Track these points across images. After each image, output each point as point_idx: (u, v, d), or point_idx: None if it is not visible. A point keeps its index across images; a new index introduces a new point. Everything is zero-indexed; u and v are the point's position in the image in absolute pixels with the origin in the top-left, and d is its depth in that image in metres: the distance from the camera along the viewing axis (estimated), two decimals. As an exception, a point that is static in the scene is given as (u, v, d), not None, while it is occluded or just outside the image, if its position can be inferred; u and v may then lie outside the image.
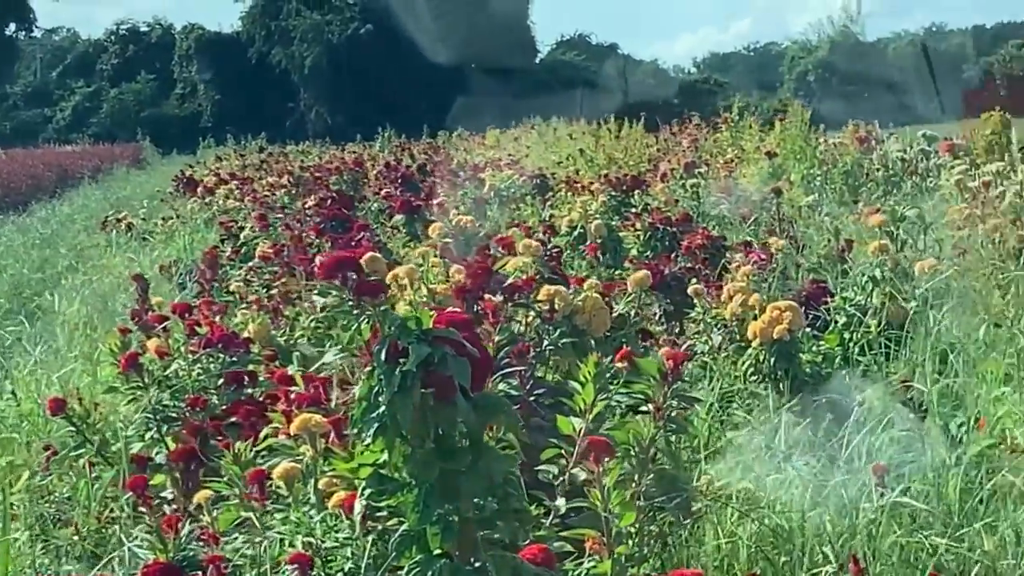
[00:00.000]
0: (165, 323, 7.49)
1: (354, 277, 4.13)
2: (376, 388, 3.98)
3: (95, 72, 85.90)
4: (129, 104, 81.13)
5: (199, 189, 22.05)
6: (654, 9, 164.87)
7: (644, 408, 5.22)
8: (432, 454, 4.02)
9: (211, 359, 7.22)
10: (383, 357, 3.98)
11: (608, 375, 5.03)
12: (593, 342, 6.67)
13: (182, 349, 7.35)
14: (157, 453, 6.97)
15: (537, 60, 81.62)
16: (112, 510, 6.38)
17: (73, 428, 7.04)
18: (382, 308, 4.07)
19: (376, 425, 3.96)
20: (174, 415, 7.07)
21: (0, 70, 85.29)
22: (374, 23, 74.97)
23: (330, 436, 4.74)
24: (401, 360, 3.97)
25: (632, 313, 7.51)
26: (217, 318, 7.94)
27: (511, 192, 20.29)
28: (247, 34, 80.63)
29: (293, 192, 21.48)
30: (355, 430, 4.11)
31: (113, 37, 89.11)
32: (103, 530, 6.23)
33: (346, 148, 49.97)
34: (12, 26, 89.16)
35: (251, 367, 7.35)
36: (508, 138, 42.30)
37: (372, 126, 56.67)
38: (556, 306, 6.34)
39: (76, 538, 6.08)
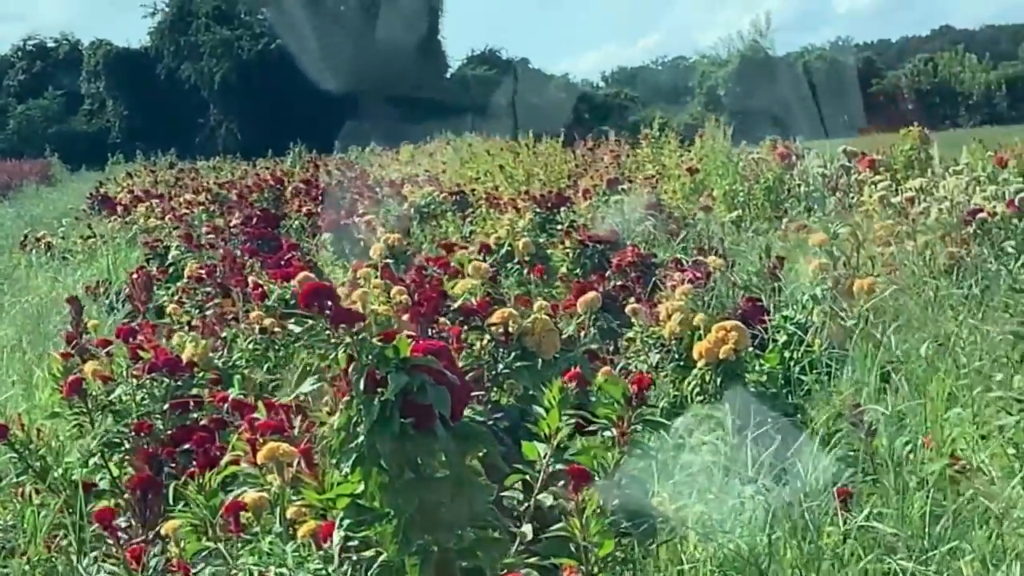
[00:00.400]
0: (109, 347, 7.40)
1: (330, 305, 4.09)
2: (355, 418, 3.96)
3: (1, 88, 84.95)
4: (36, 120, 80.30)
5: (118, 208, 21.83)
6: (561, 24, 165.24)
7: (607, 433, 5.20)
8: (412, 484, 4.00)
9: (155, 383, 7.14)
10: (362, 386, 3.95)
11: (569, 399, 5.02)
12: (541, 364, 6.67)
13: (125, 373, 7.27)
14: (101, 479, 6.91)
15: (447, 75, 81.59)
16: (58, 538, 6.28)
17: (15, 454, 6.93)
18: (360, 336, 4.03)
19: (355, 455, 3.94)
20: (117, 440, 7.01)
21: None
22: (284, 38, 74.65)
23: (296, 464, 4.69)
24: (380, 389, 3.94)
25: (582, 334, 7.50)
26: (162, 341, 7.86)
27: (431, 208, 20.27)
28: (156, 49, 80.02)
29: (211, 209, 21.35)
30: (333, 460, 4.07)
31: (20, 53, 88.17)
32: (52, 559, 6.14)
33: (257, 164, 49.76)
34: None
35: (195, 391, 7.29)
36: (423, 153, 42.25)
37: (283, 142, 56.39)
38: (510, 329, 6.32)
39: (27, 567, 5.98)
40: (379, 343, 4.01)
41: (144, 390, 7.13)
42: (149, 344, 7.50)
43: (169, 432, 6.72)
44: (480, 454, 4.22)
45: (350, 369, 4.02)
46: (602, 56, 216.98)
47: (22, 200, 38.19)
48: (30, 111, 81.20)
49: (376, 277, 8.45)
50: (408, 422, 3.90)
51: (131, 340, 7.41)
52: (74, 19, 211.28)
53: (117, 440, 7.00)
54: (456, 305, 6.46)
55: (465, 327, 6.11)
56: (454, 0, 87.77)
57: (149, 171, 48.17)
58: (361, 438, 3.87)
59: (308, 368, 5.58)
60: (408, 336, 4.29)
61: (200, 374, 7.48)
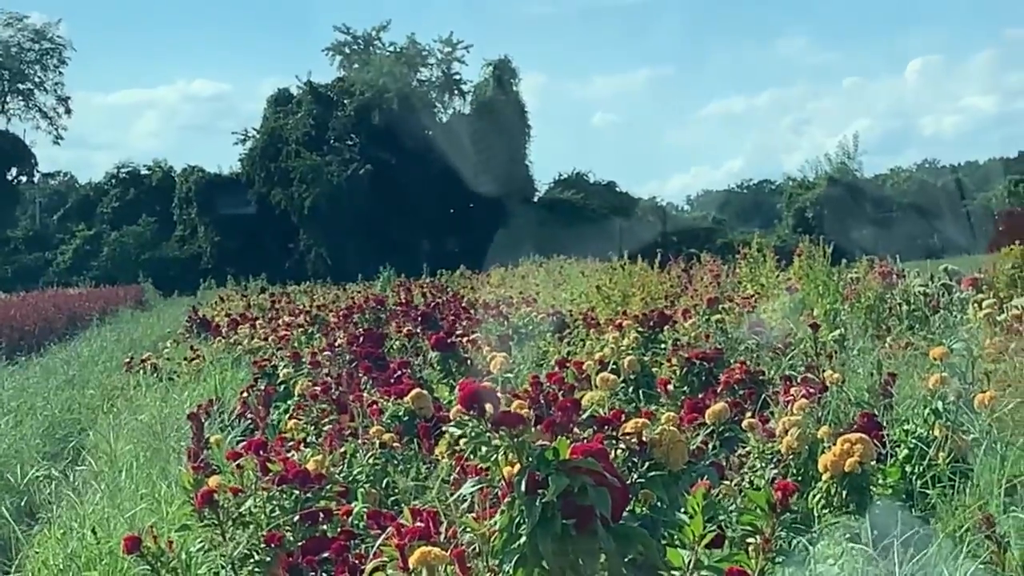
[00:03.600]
0: (239, 459, 7.50)
1: (491, 408, 4.15)
2: (516, 519, 4.00)
3: (96, 215, 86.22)
4: (129, 247, 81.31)
5: (223, 329, 22.10)
6: (648, 148, 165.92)
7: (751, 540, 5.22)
8: (573, 585, 4.03)
9: (285, 495, 7.23)
10: (523, 488, 4.00)
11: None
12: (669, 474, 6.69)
13: (253, 486, 7.36)
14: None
15: (535, 198, 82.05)
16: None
17: (148, 567, 7.03)
18: (519, 439, 4.09)
19: (517, 556, 3.97)
20: (247, 552, 7.09)
21: (1, 214, 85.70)
22: (373, 164, 75.46)
23: (446, 568, 4.73)
24: (540, 491, 3.98)
25: (709, 446, 7.53)
26: (292, 455, 7.95)
27: (529, 329, 20.38)
28: (247, 175, 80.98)
29: (310, 331, 21.57)
30: (493, 561, 4.11)
31: (114, 180, 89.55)
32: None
33: (348, 288, 50.18)
34: (13, 171, 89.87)
35: (322, 503, 7.37)
36: (514, 276, 42.45)
37: (371, 266, 56.95)
38: (644, 438, 6.36)
39: None
40: (539, 445, 4.06)
41: (274, 502, 7.21)
42: (278, 457, 7.59)
43: (299, 544, 6.79)
44: (638, 555, 4.24)
45: (511, 471, 4.07)
46: (689, 179, 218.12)
47: (119, 324, 38.68)
48: (123, 238, 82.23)
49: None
50: (569, 523, 3.94)
51: (261, 453, 7.50)
52: (166, 146, 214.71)
53: (247, 552, 7.08)
54: (586, 415, 6.50)
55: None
56: (542, 124, 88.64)
57: (241, 296, 48.75)
58: (523, 539, 3.92)
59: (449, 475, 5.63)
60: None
61: (328, 487, 7.55)
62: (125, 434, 12.31)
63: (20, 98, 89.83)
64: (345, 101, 79.69)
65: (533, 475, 3.98)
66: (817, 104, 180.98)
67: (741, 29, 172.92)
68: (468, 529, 4.69)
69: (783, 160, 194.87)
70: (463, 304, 27.57)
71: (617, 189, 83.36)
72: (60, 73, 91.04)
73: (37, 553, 8.12)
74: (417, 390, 10.40)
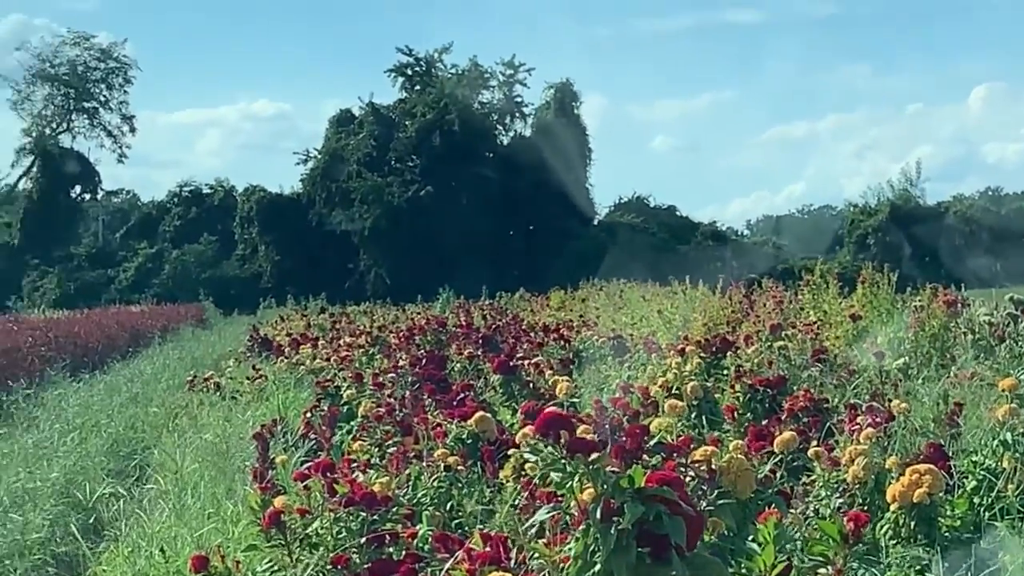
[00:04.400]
0: (307, 480, 7.52)
1: (566, 435, 4.15)
2: (591, 546, 3.99)
3: (158, 233, 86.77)
4: (190, 265, 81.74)
5: (285, 349, 22.18)
6: (708, 173, 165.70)
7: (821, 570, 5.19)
8: (648, 613, 4.02)
9: (352, 517, 7.24)
10: (598, 515, 3.99)
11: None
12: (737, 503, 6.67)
13: (320, 507, 7.38)
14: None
15: (596, 221, 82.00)
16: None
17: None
18: (595, 466, 4.08)
19: (592, 583, 3.97)
20: (313, 573, 7.10)
21: (66, 232, 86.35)
22: (434, 185, 75.63)
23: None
24: (616, 519, 3.97)
25: (777, 475, 7.50)
26: (359, 476, 7.96)
27: (590, 352, 20.38)
28: (308, 195, 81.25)
29: (371, 351, 21.63)
30: (567, 588, 4.10)
31: (176, 199, 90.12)
32: None
33: (407, 308, 50.28)
34: (77, 188, 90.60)
35: (388, 526, 7.37)
36: (575, 299, 42.46)
37: (431, 287, 57.07)
38: (713, 466, 6.34)
39: None
40: (613, 473, 4.06)
41: (341, 524, 7.23)
42: (345, 479, 7.60)
43: (366, 566, 6.80)
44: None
45: (586, 498, 4.07)
46: (749, 203, 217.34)
47: (181, 342, 38.92)
48: (185, 256, 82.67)
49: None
50: (644, 551, 3.94)
51: (328, 475, 7.51)
52: (227, 165, 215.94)
53: (314, 573, 7.09)
54: (654, 442, 6.49)
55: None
56: (602, 147, 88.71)
57: (301, 315, 48.92)
58: (598, 566, 3.91)
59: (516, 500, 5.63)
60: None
61: (394, 509, 7.55)
62: (190, 452, 12.35)
63: (85, 116, 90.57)
64: (407, 122, 79.86)
65: (608, 502, 3.98)
66: (879, 130, 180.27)
67: (803, 54, 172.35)
68: (538, 555, 4.70)
69: (844, 186, 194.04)
70: (523, 327, 27.60)
71: (678, 213, 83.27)
72: (125, 92, 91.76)
73: (105, 571, 8.16)
74: (481, 413, 10.41)
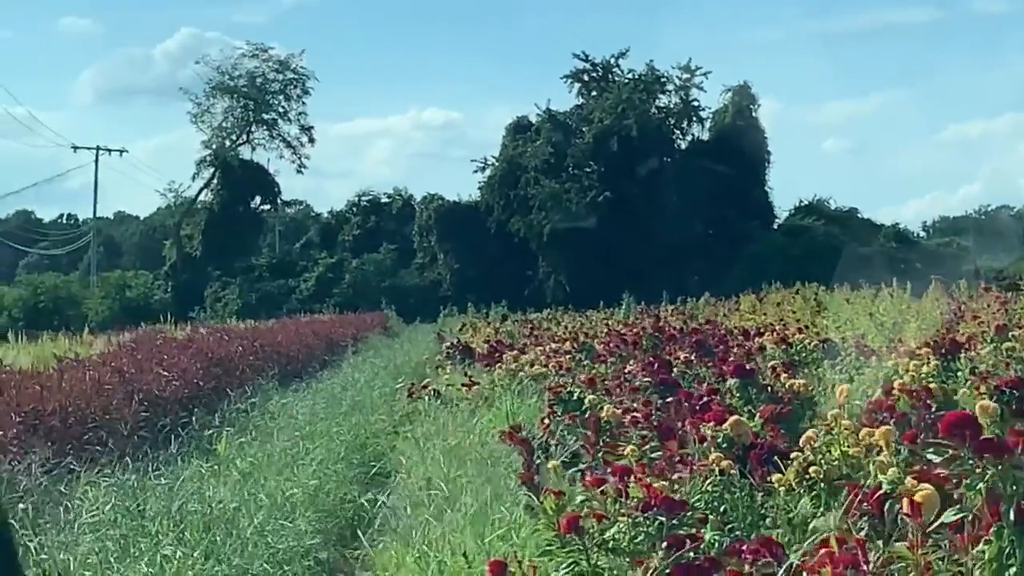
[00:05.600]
0: (603, 486, 7.45)
1: (973, 435, 4.03)
2: (1007, 549, 3.87)
3: (337, 243, 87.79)
4: (370, 274, 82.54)
5: (504, 357, 22.15)
6: (881, 175, 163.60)
7: None
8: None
9: (650, 521, 7.16)
10: (1011, 518, 3.87)
11: None
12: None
13: (613, 511, 7.31)
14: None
15: (775, 225, 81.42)
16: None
17: (512, 591, 7.03)
18: (1003, 467, 3.95)
19: (1009, 587, 3.84)
20: (612, 578, 7.04)
21: (246, 243, 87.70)
22: (612, 191, 75.56)
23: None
24: (1030, 521, 3.85)
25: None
26: (659, 481, 7.88)
27: (803, 356, 20.14)
28: (485, 203, 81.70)
29: (577, 357, 21.55)
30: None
31: (355, 208, 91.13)
32: None
33: (589, 315, 50.15)
34: (257, 199, 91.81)
35: (683, 530, 7.28)
36: (768, 303, 42.10)
37: (609, 293, 56.90)
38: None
39: None
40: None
41: (640, 528, 7.15)
42: (640, 483, 7.53)
43: (666, 571, 6.71)
44: None
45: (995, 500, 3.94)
46: (924, 204, 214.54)
47: (372, 350, 39.26)
48: (364, 265, 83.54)
49: (846, 420, 8.36)
50: (1062, 554, 3.81)
51: (624, 479, 7.44)
52: (397, 174, 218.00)
53: (612, 578, 7.04)
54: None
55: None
56: (775, 150, 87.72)
57: (487, 323, 49.15)
58: (1013, 569, 3.79)
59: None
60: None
61: (689, 513, 7.46)
62: (433, 458, 12.38)
63: (264, 128, 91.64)
64: (584, 128, 79.97)
65: (1020, 505, 3.85)
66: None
67: (977, 52, 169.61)
68: (899, 557, 4.57)
69: (1022, 186, 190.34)
70: (723, 332, 27.36)
71: (859, 215, 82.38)
72: (303, 103, 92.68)
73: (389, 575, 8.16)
74: (735, 417, 10.28)
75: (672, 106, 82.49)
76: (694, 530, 7.37)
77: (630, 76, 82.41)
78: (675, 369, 18.37)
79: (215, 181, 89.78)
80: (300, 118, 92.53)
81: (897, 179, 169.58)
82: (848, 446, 8.15)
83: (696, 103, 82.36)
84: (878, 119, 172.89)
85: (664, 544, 7.05)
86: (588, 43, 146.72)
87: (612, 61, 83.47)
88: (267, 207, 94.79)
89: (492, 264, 76.64)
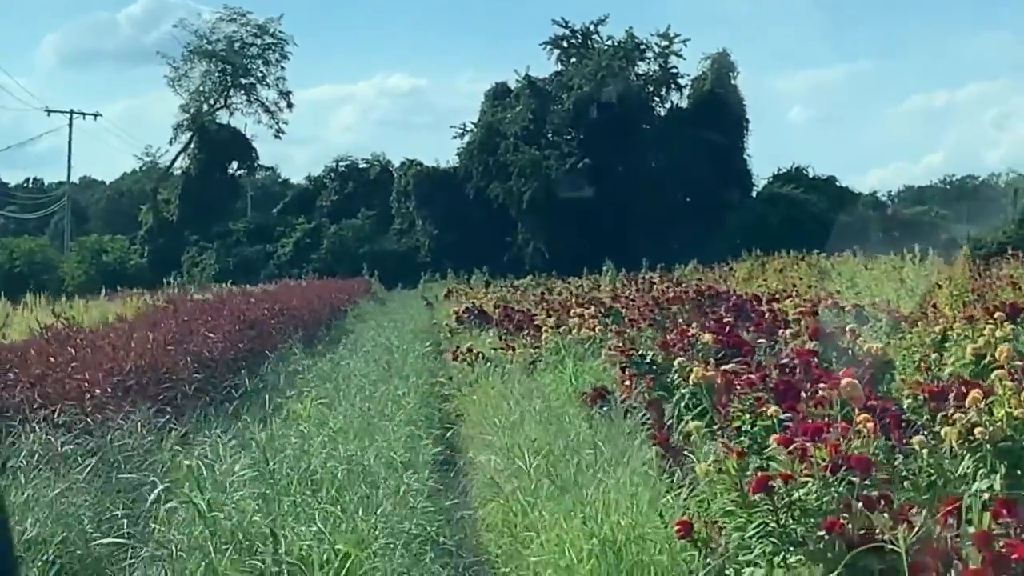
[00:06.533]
0: (791, 445, 7.36)
1: None
2: None
3: (315, 208, 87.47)
4: (348, 239, 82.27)
5: (545, 321, 21.96)
6: (845, 144, 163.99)
7: None
8: None
9: (840, 482, 7.07)
10: None
11: None
12: None
13: (799, 472, 7.22)
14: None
15: (753, 193, 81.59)
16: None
17: (696, 550, 6.98)
18: None
19: None
20: (800, 540, 6.96)
21: (224, 208, 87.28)
22: (591, 158, 75.46)
23: None
24: None
25: None
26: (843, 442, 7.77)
27: (837, 321, 20.12)
28: (464, 169, 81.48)
29: (605, 322, 21.46)
30: None
31: (332, 174, 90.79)
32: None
33: (570, 282, 49.91)
34: (235, 164, 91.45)
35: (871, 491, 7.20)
36: (768, 270, 42.14)
37: (588, 259, 56.75)
38: None
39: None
40: None
41: (831, 489, 7.06)
42: (827, 444, 7.42)
43: (859, 532, 6.65)
44: None
45: None
46: (887, 174, 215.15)
47: (367, 314, 39.12)
48: (343, 231, 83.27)
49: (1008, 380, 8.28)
50: None
51: (817, 438, 7.35)
52: (361, 141, 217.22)
53: (801, 539, 6.95)
54: None
55: None
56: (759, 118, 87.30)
57: (475, 289, 49.09)
58: None
59: None
60: None
61: (875, 475, 7.38)
62: (526, 423, 12.21)
63: (243, 92, 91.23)
64: (563, 95, 79.80)
65: None
66: (1021, 98, 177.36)
67: (941, 23, 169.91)
68: None
69: (984, 155, 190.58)
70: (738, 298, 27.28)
71: (838, 183, 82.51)
72: (282, 67, 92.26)
73: (556, 536, 7.98)
74: (848, 379, 10.20)
75: (651, 73, 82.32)
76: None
77: (609, 43, 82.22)
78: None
79: (192, 146, 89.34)
80: (278, 83, 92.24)
81: (861, 149, 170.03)
82: (1013, 407, 8.07)
83: (675, 70, 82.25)
84: (844, 89, 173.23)
85: (860, 505, 6.99)
86: (561, 10, 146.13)
87: (591, 28, 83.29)
88: (244, 172, 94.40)
89: (471, 230, 76.32)
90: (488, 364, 18.43)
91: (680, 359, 12.90)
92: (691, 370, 12.57)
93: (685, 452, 9.25)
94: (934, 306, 20.64)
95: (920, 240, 50.66)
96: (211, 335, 18.54)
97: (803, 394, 9.77)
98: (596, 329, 19.34)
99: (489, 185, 79.05)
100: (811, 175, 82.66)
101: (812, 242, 52.33)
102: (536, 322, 22.59)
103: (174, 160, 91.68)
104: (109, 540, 8.37)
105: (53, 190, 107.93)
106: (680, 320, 18.95)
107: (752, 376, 10.68)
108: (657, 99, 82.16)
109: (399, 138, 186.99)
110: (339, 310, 38.40)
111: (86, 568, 8.21)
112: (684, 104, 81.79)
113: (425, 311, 44.85)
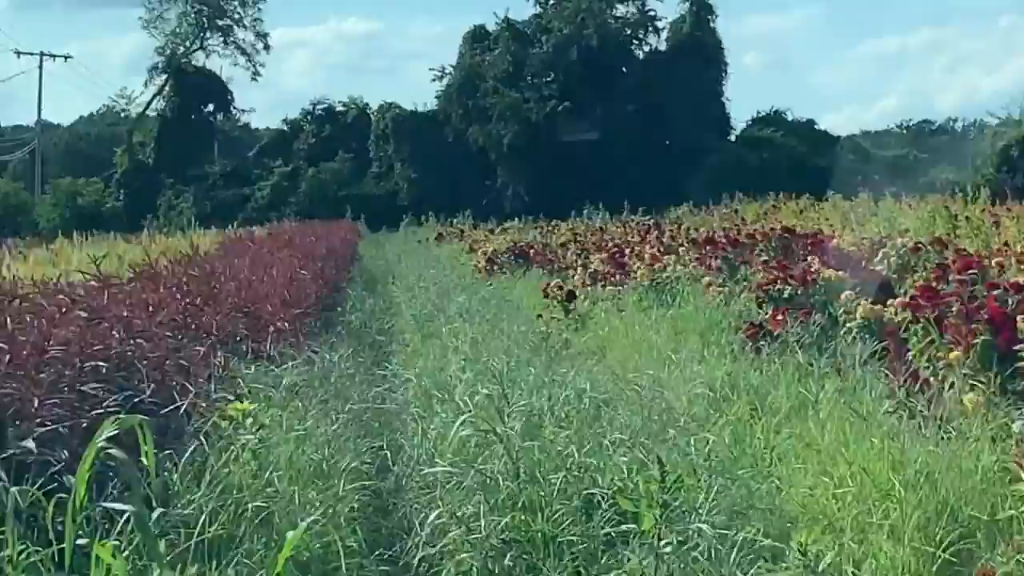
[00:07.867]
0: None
1: None
2: None
3: (292, 151, 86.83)
4: (327, 183, 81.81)
5: (632, 260, 21.82)
6: (798, 89, 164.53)
7: None
8: None
9: None
10: None
11: None
12: None
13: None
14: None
15: (732, 136, 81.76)
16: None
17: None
18: None
19: None
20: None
21: (200, 151, 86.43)
22: (571, 101, 75.36)
23: None
24: None
25: None
26: None
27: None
28: (444, 112, 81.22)
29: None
30: None
31: (309, 117, 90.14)
32: None
33: (557, 225, 49.66)
34: (211, 107, 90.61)
35: None
36: (765, 211, 42.20)
37: (569, 203, 56.52)
38: None
39: None
40: None
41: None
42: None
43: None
44: None
45: None
46: (841, 119, 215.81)
47: (377, 258, 38.86)
48: (321, 174, 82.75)
49: None
50: None
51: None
52: (315, 85, 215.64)
53: None
54: None
55: None
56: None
57: (473, 229, 48.85)
58: None
59: None
60: None
61: None
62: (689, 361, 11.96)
63: (219, 35, 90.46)
64: (543, 38, 79.57)
65: None
66: (972, 44, 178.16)
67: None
68: None
69: (936, 101, 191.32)
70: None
71: (816, 127, 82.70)
72: (259, 8, 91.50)
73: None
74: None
75: (629, 16, 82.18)
76: None
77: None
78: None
79: (167, 89, 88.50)
80: (255, 24, 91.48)
81: (815, 93, 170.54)
82: None
83: (653, 13, 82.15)
84: (797, 33, 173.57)
85: None
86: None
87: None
88: (221, 115, 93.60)
89: (450, 174, 76.07)
90: (585, 301, 18.36)
91: (847, 292, 12.94)
92: (859, 304, 12.63)
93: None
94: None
95: (905, 182, 50.91)
96: (303, 271, 18.49)
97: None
98: (696, 266, 19.26)
99: (468, 128, 78.85)
100: (790, 119, 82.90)
101: (791, 185, 52.60)
102: (610, 260, 22.39)
103: (149, 103, 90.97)
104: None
105: (8, 133, 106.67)
106: (765, 259, 18.80)
107: (965, 306, 10.57)
108: (636, 42, 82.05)
109: (354, 82, 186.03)
110: (356, 253, 38.22)
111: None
112: (663, 47, 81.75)
113: (426, 253, 44.32)
